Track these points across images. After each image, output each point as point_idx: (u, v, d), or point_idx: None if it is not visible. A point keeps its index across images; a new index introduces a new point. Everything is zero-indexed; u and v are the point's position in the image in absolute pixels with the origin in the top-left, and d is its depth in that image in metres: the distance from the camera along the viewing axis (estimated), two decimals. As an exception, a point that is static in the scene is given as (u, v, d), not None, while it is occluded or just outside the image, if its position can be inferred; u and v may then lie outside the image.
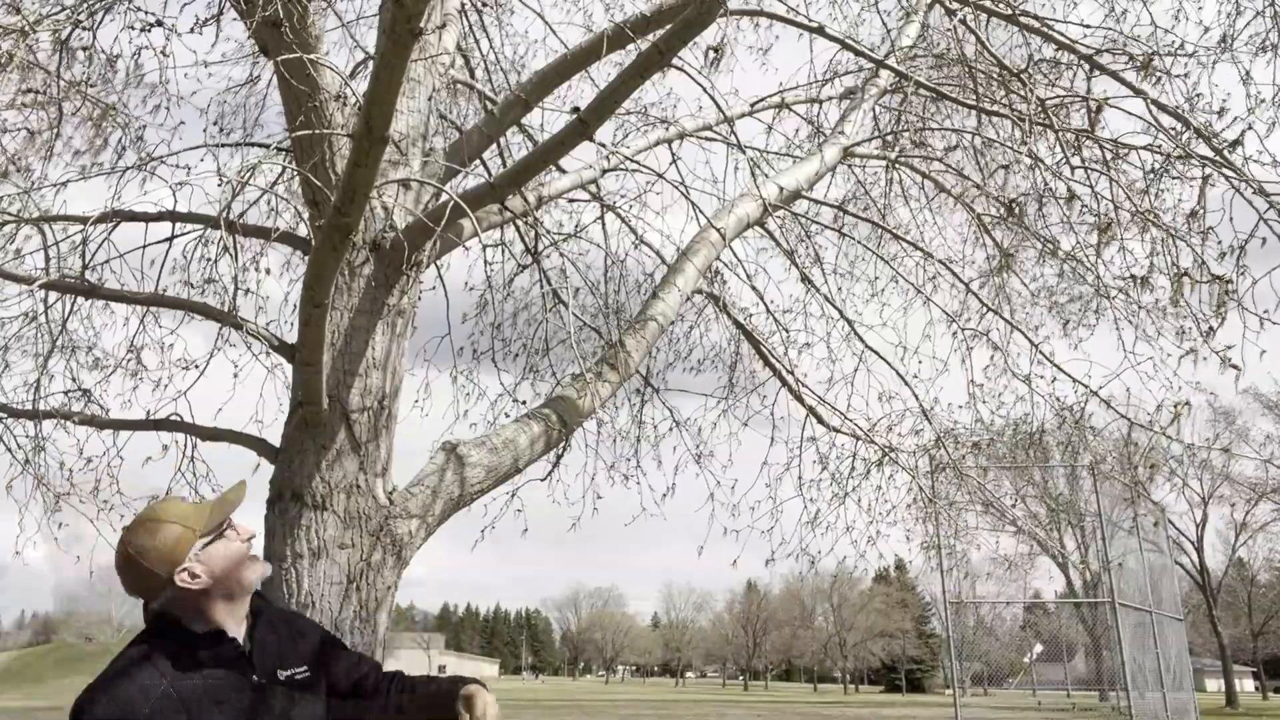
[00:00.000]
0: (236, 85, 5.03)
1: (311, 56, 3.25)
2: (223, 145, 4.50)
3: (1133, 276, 4.17)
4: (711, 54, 2.75)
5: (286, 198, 4.45)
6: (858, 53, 4.53)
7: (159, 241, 3.77)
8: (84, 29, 4.19)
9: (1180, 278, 3.88)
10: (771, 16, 4.57)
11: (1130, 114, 4.13)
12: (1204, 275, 3.74)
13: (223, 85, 4.98)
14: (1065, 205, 4.21)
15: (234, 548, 1.82)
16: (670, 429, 5.48)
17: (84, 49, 4.24)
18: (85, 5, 4.09)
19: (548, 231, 4.99)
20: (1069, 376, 4.63)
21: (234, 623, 1.81)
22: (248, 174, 2.98)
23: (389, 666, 2.26)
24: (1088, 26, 4.22)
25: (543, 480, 4.56)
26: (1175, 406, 3.96)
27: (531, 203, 3.91)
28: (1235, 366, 3.60)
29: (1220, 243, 3.70)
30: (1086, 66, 4.16)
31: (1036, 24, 4.24)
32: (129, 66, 4.43)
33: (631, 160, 4.15)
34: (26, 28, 3.59)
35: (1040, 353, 4.75)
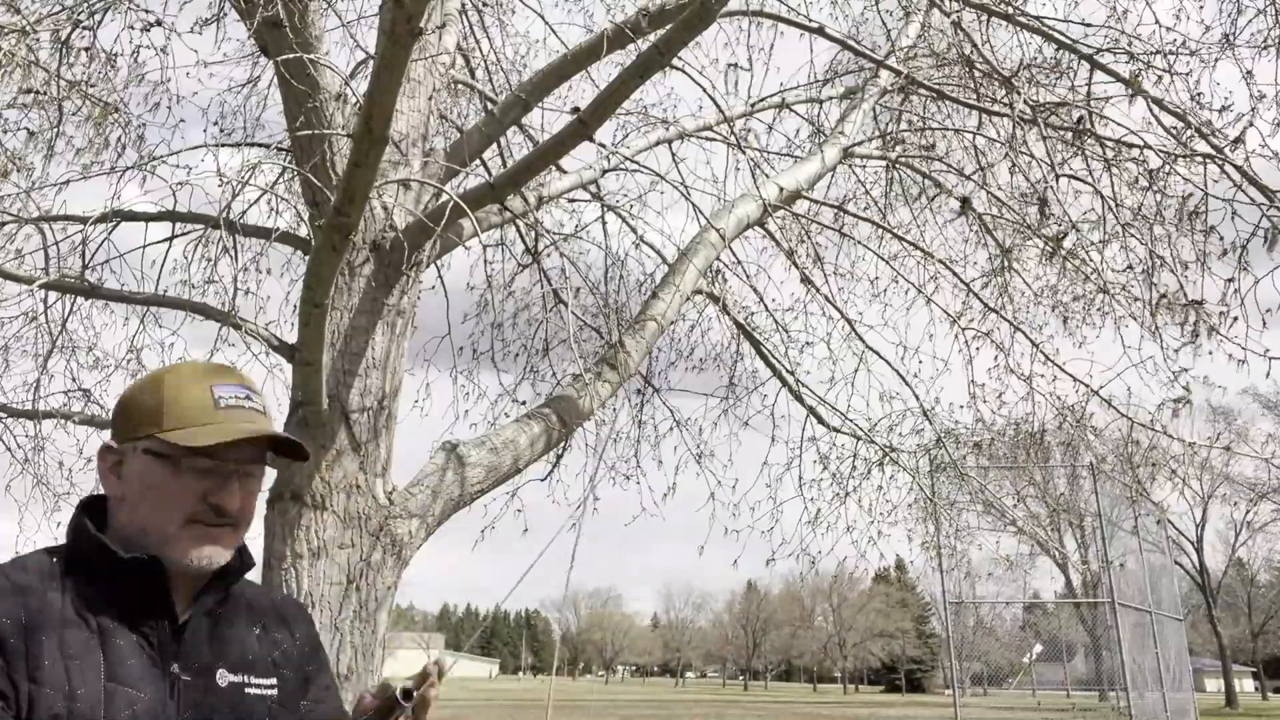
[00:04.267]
0: (237, 85, 5.03)
1: (312, 56, 3.25)
2: (223, 145, 4.50)
3: (1124, 285, 4.19)
4: (730, 69, 2.76)
5: (286, 198, 4.44)
6: (858, 53, 4.53)
7: (159, 241, 3.77)
8: (84, 28, 4.19)
9: (1160, 301, 3.90)
10: (772, 17, 4.57)
11: (1130, 115, 4.13)
12: (1182, 299, 3.76)
13: (223, 85, 4.99)
14: (1044, 209, 4.22)
15: (172, 493, 1.19)
16: (670, 429, 5.48)
17: (85, 48, 4.24)
18: (85, 4, 4.09)
19: (548, 231, 4.98)
20: (1070, 376, 4.63)
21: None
22: (248, 174, 2.98)
23: (388, 666, 2.25)
24: (1089, 26, 4.21)
25: (542, 480, 4.56)
26: (1177, 401, 3.96)
27: (531, 203, 3.91)
28: (1222, 385, 3.60)
29: (1221, 239, 3.70)
30: (1087, 67, 4.16)
31: (1036, 24, 4.23)
32: (129, 66, 4.43)
33: (631, 160, 4.15)
34: (27, 27, 3.59)
35: (1041, 352, 4.75)
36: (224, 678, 1.25)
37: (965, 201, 4.33)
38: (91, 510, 1.26)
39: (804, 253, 5.49)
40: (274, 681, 1.31)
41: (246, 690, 1.26)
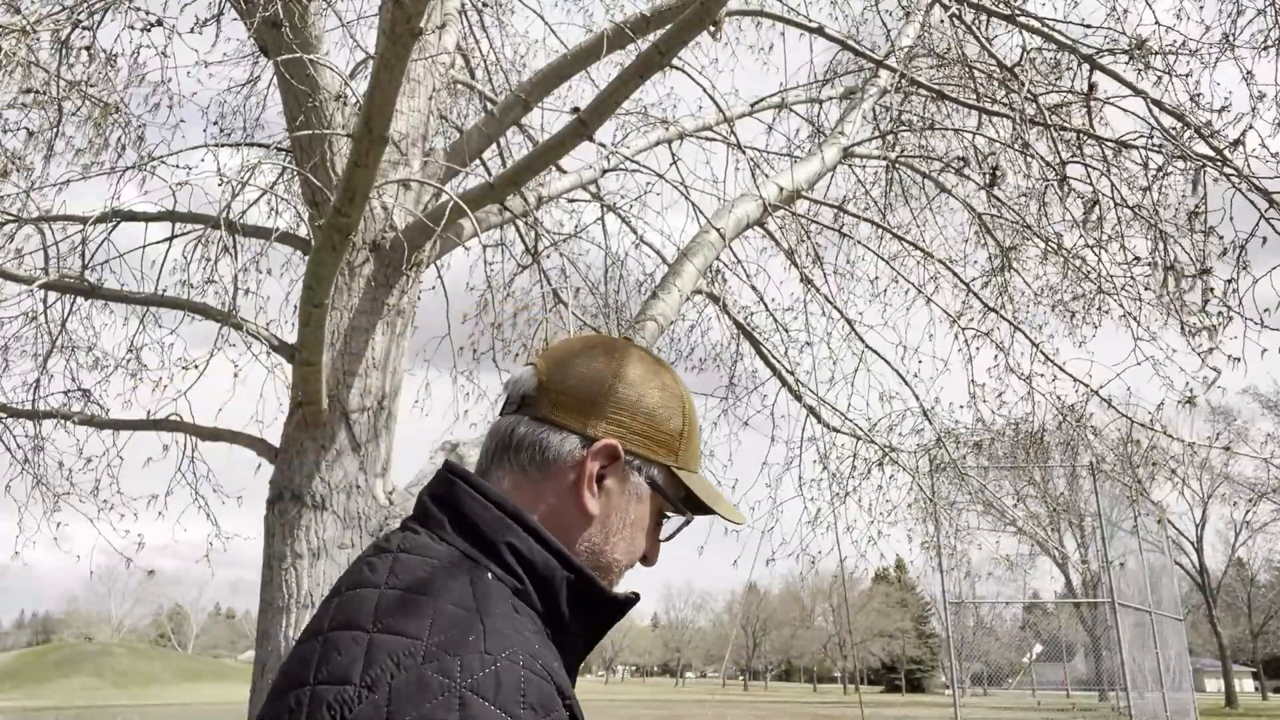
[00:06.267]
0: (237, 85, 5.03)
1: (311, 56, 3.25)
2: (223, 145, 4.50)
3: (1132, 275, 4.18)
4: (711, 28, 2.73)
5: (286, 198, 4.44)
6: (858, 53, 4.53)
7: (159, 241, 3.77)
8: (84, 28, 4.19)
9: (1168, 269, 3.88)
10: (771, 17, 4.57)
11: (1131, 112, 4.13)
12: (1194, 270, 3.74)
13: (223, 85, 4.99)
14: (1062, 197, 4.21)
15: (644, 536, 0.99)
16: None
17: (85, 48, 4.24)
18: (85, 5, 4.09)
19: (548, 231, 4.98)
20: (1069, 376, 4.63)
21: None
22: (248, 174, 2.98)
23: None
24: (1088, 26, 4.21)
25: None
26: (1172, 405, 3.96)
27: (531, 203, 3.91)
28: (1236, 358, 3.59)
29: (1221, 239, 3.70)
30: (1087, 68, 4.16)
31: (1036, 24, 4.24)
32: (129, 66, 4.43)
33: (631, 160, 4.16)
34: (27, 27, 3.59)
35: (1041, 352, 4.75)
36: None
37: (995, 170, 4.26)
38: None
39: (804, 252, 5.49)
40: None
41: None
